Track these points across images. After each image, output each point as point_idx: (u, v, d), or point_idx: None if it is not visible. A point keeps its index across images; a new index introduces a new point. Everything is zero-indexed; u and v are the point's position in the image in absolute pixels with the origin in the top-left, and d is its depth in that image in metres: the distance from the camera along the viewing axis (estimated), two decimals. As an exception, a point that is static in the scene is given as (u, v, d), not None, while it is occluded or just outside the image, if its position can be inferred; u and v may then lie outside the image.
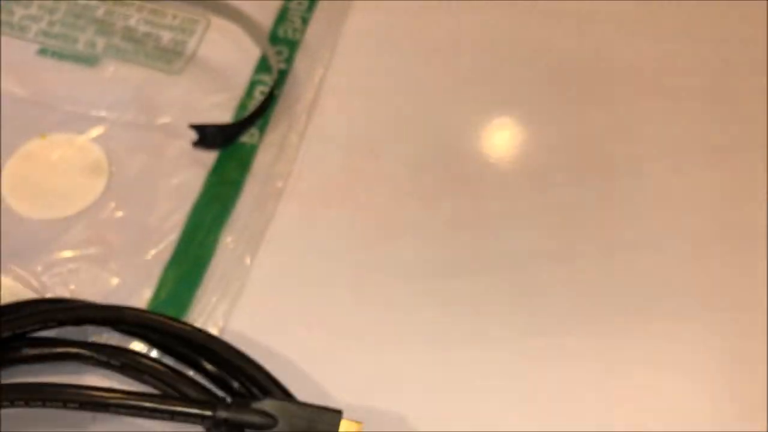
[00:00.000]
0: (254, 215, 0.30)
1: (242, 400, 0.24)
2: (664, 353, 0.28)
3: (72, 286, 0.28)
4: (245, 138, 0.32)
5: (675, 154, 0.33)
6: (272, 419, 0.23)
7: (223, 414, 0.23)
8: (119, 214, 0.30)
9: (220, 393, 0.25)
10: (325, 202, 0.31)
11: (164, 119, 0.32)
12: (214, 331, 0.27)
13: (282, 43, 0.35)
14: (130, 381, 0.25)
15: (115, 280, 0.28)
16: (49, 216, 0.29)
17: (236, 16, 0.34)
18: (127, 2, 0.35)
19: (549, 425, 0.26)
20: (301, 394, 0.25)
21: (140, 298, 0.28)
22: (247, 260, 0.29)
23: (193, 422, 0.23)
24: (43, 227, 0.29)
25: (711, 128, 0.33)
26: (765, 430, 0.27)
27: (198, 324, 0.27)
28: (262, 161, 0.31)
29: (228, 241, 0.29)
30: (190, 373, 0.25)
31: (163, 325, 0.25)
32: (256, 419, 0.23)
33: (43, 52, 0.33)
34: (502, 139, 0.33)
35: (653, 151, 0.33)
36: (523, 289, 0.29)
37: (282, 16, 0.35)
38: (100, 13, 0.35)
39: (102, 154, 0.31)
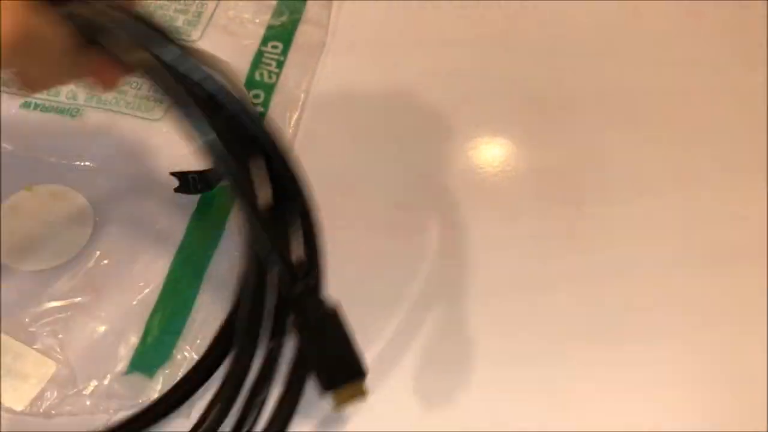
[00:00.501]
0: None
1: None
2: (638, 374, 0.29)
3: (60, 335, 0.29)
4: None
5: (643, 180, 0.34)
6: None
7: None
8: (105, 262, 0.31)
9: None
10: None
11: (146, 167, 0.33)
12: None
13: (258, 87, 0.36)
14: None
15: (102, 328, 0.29)
16: (36, 267, 0.30)
17: (213, 63, 0.35)
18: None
19: None
20: None
21: (127, 344, 0.29)
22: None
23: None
24: (30, 278, 0.30)
25: (677, 154, 0.35)
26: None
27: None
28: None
29: (209, 286, 0.30)
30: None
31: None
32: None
33: (26, 105, 0.34)
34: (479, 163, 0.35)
35: (623, 177, 0.34)
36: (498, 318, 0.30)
37: (257, 61, 0.37)
38: None
39: (86, 204, 0.32)
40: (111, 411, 0.28)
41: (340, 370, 0.25)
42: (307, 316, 0.24)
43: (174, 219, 0.32)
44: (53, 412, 0.28)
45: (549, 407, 0.28)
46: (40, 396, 0.28)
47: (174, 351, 0.29)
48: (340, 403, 0.25)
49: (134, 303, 0.30)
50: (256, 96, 0.36)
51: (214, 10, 0.38)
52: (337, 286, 0.29)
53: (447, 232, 0.33)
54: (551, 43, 0.38)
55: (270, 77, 0.36)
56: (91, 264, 0.31)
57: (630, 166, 0.35)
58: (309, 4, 0.39)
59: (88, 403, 0.28)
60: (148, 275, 0.31)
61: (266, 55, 0.37)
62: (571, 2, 0.39)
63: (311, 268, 0.25)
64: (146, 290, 0.30)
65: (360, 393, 0.25)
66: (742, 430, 0.29)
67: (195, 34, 0.37)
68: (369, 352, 0.28)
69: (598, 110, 0.36)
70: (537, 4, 0.39)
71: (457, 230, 0.33)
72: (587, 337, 0.30)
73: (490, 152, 0.35)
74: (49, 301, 0.30)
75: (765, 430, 0.28)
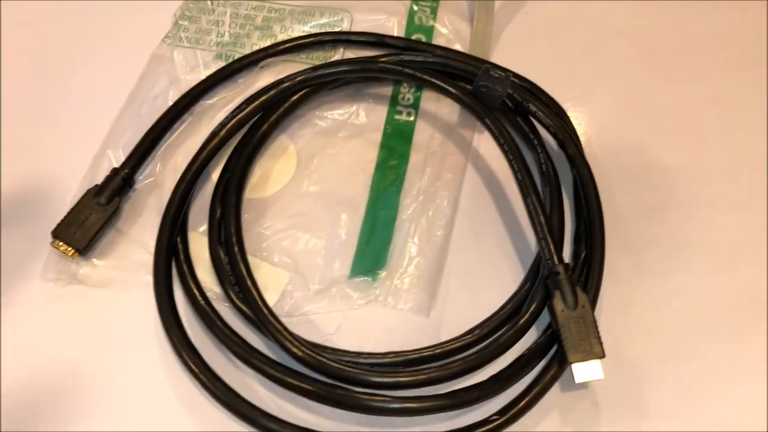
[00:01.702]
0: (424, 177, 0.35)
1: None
2: None
3: (289, 250, 0.33)
4: (403, 116, 0.37)
5: None
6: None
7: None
8: (312, 188, 0.35)
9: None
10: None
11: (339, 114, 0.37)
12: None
13: (419, 31, 0.40)
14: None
15: (322, 241, 0.34)
16: (255, 196, 0.35)
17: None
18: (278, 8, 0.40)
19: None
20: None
21: (345, 254, 0.33)
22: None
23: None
24: (254, 205, 0.34)
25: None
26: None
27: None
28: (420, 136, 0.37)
29: (407, 201, 0.34)
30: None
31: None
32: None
33: (218, 56, 0.39)
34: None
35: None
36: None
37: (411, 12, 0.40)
38: (258, 21, 0.40)
39: (290, 142, 0.36)
40: (343, 310, 0.32)
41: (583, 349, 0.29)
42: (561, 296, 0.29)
43: (365, 150, 0.36)
44: (295, 314, 0.32)
45: None
46: (281, 300, 0.32)
47: (388, 256, 0.33)
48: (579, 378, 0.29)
49: (343, 217, 0.34)
50: (419, 38, 0.39)
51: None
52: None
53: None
54: None
55: (427, 21, 0.40)
56: (302, 188, 0.35)
57: None
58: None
59: (322, 304, 0.32)
60: (354, 188, 0.35)
61: (420, 4, 0.41)
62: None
63: (578, 255, 0.32)
64: (355, 202, 0.34)
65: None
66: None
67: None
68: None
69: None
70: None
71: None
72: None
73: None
74: (275, 221, 0.34)
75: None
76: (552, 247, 0.31)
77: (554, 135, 0.35)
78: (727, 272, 0.34)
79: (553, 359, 0.30)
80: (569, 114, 0.36)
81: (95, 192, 0.34)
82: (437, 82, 0.35)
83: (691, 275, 0.33)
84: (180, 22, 0.40)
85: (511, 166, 0.33)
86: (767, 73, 0.39)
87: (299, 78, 0.35)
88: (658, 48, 0.40)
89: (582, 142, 0.36)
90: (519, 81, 0.37)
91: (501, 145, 0.33)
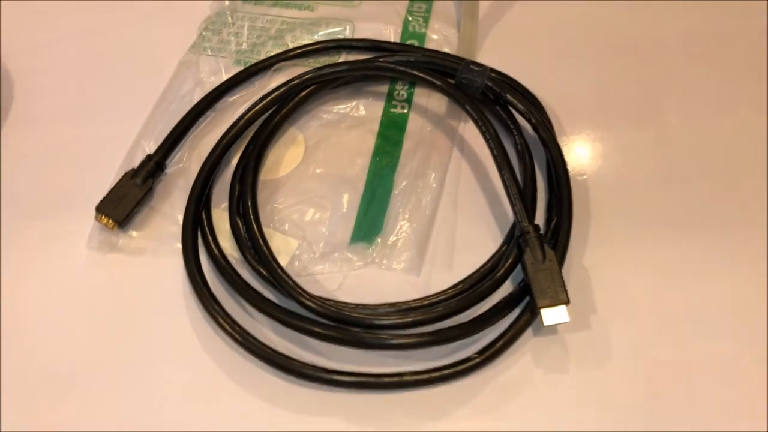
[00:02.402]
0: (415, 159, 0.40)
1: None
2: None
3: (298, 222, 0.38)
4: (397, 110, 0.43)
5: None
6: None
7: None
8: (318, 170, 0.40)
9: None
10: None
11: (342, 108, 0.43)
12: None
13: (413, 37, 0.45)
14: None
15: (327, 213, 0.39)
16: (269, 177, 0.40)
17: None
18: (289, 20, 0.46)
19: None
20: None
21: (346, 223, 0.38)
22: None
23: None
24: (269, 185, 0.40)
25: None
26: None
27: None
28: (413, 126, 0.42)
29: (399, 180, 0.39)
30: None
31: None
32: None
33: (237, 62, 0.45)
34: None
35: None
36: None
37: (407, 19, 0.46)
38: (272, 31, 0.46)
39: (299, 133, 0.42)
40: (344, 271, 0.37)
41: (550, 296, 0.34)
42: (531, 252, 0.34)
43: (364, 137, 0.41)
44: (302, 273, 0.37)
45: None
46: (291, 263, 0.37)
47: (383, 225, 0.38)
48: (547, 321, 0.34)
49: (344, 193, 0.39)
50: (412, 43, 0.45)
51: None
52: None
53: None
54: None
55: (420, 28, 0.46)
56: (309, 170, 0.40)
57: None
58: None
59: (326, 266, 0.37)
60: (354, 169, 0.40)
61: (414, 14, 0.46)
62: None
63: (550, 222, 0.37)
64: (355, 181, 0.40)
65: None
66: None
67: (356, 2, 0.47)
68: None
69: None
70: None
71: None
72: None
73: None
74: (286, 197, 0.39)
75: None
76: (523, 210, 0.35)
77: (528, 120, 0.40)
78: (685, 236, 0.38)
79: (526, 308, 0.35)
80: (544, 104, 0.42)
81: (132, 174, 0.39)
82: (425, 76, 0.40)
83: (653, 244, 0.38)
84: (204, 33, 0.46)
85: (488, 144, 0.38)
86: (732, 68, 0.44)
87: (306, 76, 0.41)
88: (629, 47, 0.45)
89: (555, 128, 0.41)
90: (498, 76, 0.42)
91: (479, 128, 0.38)
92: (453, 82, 0.40)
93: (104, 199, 0.38)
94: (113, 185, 0.39)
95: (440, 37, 0.46)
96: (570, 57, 0.45)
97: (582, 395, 0.34)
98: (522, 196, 0.36)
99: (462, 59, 0.41)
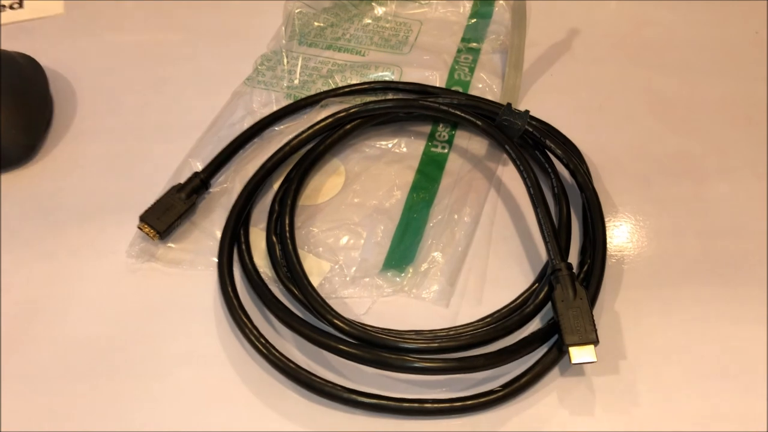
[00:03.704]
0: (452, 196, 0.41)
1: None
2: None
3: (332, 246, 0.39)
4: (438, 149, 0.44)
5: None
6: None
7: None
8: (356, 200, 0.41)
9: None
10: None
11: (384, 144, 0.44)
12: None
13: (457, 84, 0.47)
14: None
15: (361, 241, 0.39)
16: (311, 203, 0.41)
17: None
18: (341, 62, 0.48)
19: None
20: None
21: (381, 250, 0.39)
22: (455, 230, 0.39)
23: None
24: (306, 210, 0.41)
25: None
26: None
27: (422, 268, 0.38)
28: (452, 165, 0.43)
29: (435, 214, 0.40)
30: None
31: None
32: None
33: (287, 96, 0.47)
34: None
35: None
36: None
37: (453, 68, 0.48)
38: (323, 71, 0.48)
39: (340, 163, 0.43)
40: (374, 296, 0.38)
41: (579, 334, 0.33)
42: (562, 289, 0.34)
43: (403, 174, 0.42)
44: (332, 296, 0.38)
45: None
46: (322, 285, 0.38)
47: (415, 255, 0.39)
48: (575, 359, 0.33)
49: (380, 223, 0.40)
50: (457, 89, 0.46)
51: (418, 31, 0.50)
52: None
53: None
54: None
55: (465, 77, 0.47)
56: (348, 199, 0.41)
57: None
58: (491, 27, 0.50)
59: (356, 290, 0.38)
60: (391, 201, 0.41)
61: (460, 63, 0.48)
62: None
63: (583, 265, 0.37)
64: (391, 212, 0.41)
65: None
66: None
67: (405, 50, 0.49)
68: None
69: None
70: None
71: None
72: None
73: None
74: (323, 222, 0.40)
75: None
76: (556, 247, 0.36)
77: (566, 165, 0.40)
78: (721, 288, 0.37)
79: (554, 346, 0.35)
80: (582, 152, 0.42)
81: (178, 189, 0.41)
82: (466, 116, 0.41)
83: (687, 295, 0.37)
84: (259, 68, 0.48)
85: (525, 182, 0.38)
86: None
87: (353, 110, 0.43)
88: (666, 106, 0.46)
89: (592, 175, 0.41)
90: (539, 123, 0.43)
91: (517, 166, 0.39)
92: (494, 123, 0.41)
93: (149, 209, 0.40)
94: (159, 197, 0.40)
95: (484, 86, 0.47)
96: (610, 114, 0.45)
97: (607, 438, 0.33)
98: (556, 234, 0.36)
99: (504, 105, 0.42)
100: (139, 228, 0.39)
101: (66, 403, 0.34)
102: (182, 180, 0.41)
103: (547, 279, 0.36)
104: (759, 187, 0.41)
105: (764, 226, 0.40)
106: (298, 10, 0.51)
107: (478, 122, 0.41)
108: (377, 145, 0.44)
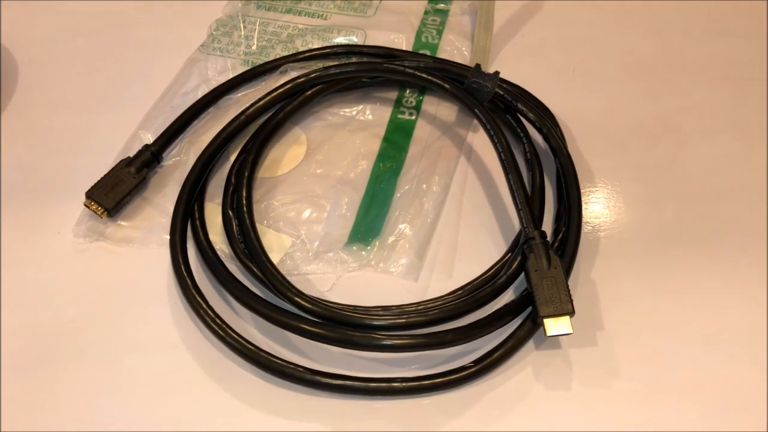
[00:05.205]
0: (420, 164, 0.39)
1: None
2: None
3: (294, 220, 0.37)
4: (405, 116, 0.41)
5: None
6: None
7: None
8: (318, 171, 0.39)
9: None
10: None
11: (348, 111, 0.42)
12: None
13: (425, 47, 0.44)
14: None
15: (324, 213, 0.37)
16: (267, 175, 0.39)
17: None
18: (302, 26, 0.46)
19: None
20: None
21: (345, 223, 0.36)
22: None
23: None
24: (266, 183, 0.38)
25: None
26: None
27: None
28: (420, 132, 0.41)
29: (403, 183, 0.38)
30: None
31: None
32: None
33: (245, 63, 0.44)
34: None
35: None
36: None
37: (420, 30, 0.45)
38: (283, 36, 0.45)
39: (302, 132, 0.41)
40: (338, 272, 0.35)
41: (553, 305, 0.31)
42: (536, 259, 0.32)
43: (369, 142, 0.40)
44: (294, 272, 0.35)
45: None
46: (283, 261, 0.36)
47: (382, 228, 0.36)
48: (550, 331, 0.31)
49: (345, 194, 0.38)
50: (424, 53, 0.44)
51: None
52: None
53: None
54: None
55: (433, 39, 0.45)
56: (310, 170, 0.39)
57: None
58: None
59: (319, 265, 0.36)
60: (356, 171, 0.39)
61: (428, 25, 0.46)
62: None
63: (558, 232, 0.35)
64: (356, 183, 0.38)
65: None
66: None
67: (369, 12, 0.47)
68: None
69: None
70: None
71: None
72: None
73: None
74: (284, 195, 0.38)
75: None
76: (529, 215, 0.34)
77: (539, 129, 0.38)
78: (701, 255, 0.36)
79: (528, 318, 0.33)
80: (556, 116, 0.40)
81: (127, 162, 0.38)
82: (434, 79, 0.39)
83: (665, 262, 0.36)
84: (214, 34, 0.45)
85: (495, 147, 0.36)
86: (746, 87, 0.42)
87: (313, 75, 0.40)
88: (643, 67, 0.44)
89: (567, 139, 0.39)
90: (510, 86, 0.41)
91: (487, 131, 0.37)
92: (463, 86, 0.39)
93: (96, 185, 0.37)
94: (107, 172, 0.38)
95: (453, 49, 0.45)
96: (585, 76, 0.43)
97: (584, 413, 0.31)
98: (529, 201, 0.34)
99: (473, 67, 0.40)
100: (85, 205, 0.37)
101: (9, 395, 0.32)
102: (132, 153, 0.38)
103: (520, 248, 0.34)
104: (740, 149, 0.40)
105: (745, 190, 0.38)
106: (255, -28, 0.48)
107: (446, 85, 0.39)
108: (341, 113, 0.42)
